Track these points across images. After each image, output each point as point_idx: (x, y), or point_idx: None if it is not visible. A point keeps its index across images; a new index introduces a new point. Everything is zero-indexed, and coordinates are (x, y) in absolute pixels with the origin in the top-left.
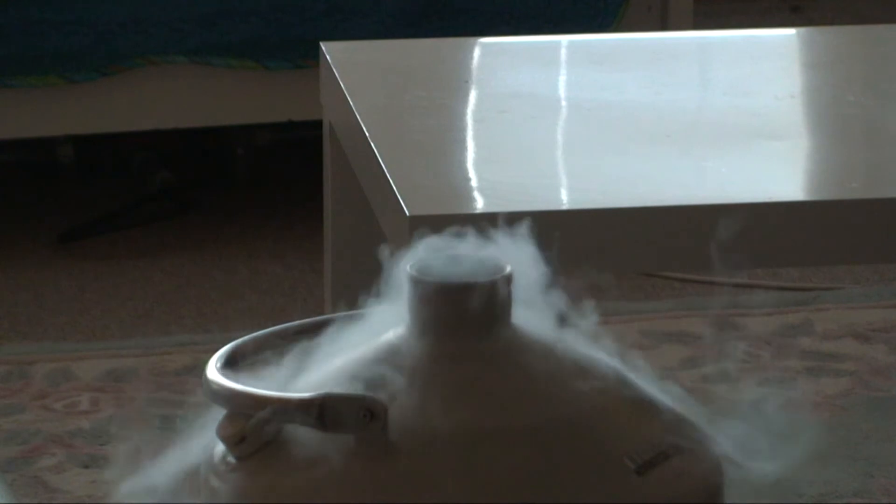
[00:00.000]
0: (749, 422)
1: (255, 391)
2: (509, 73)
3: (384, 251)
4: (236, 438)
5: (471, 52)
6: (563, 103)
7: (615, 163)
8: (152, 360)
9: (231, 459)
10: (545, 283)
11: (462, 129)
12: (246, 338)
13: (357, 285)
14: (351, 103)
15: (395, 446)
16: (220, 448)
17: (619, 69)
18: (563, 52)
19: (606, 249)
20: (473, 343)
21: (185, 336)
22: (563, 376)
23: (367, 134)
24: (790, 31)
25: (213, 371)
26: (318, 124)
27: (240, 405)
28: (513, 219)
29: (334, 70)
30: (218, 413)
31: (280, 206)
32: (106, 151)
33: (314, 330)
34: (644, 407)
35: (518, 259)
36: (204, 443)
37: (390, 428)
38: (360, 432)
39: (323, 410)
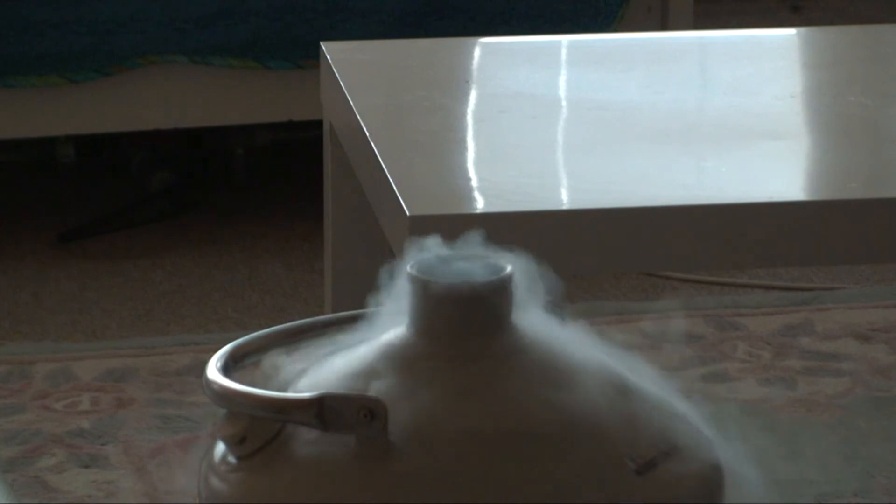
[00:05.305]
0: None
1: (255, 391)
2: (509, 73)
3: (385, 251)
4: (236, 438)
5: (471, 52)
6: (563, 103)
7: (615, 163)
8: (152, 360)
9: (231, 459)
10: (545, 283)
11: (462, 129)
12: (246, 338)
13: (357, 285)
14: (351, 103)
15: (395, 446)
16: (220, 448)
17: (619, 69)
18: (563, 52)
19: (606, 249)
20: (474, 343)
21: (185, 336)
22: (563, 377)
23: (367, 134)
24: (790, 31)
25: (214, 371)
26: (318, 124)
27: (240, 405)
28: (512, 219)
29: (334, 70)
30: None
31: (280, 206)
32: (106, 151)
33: (315, 330)
34: (644, 407)
35: (518, 259)
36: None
37: (390, 428)
38: (361, 432)
39: (323, 410)
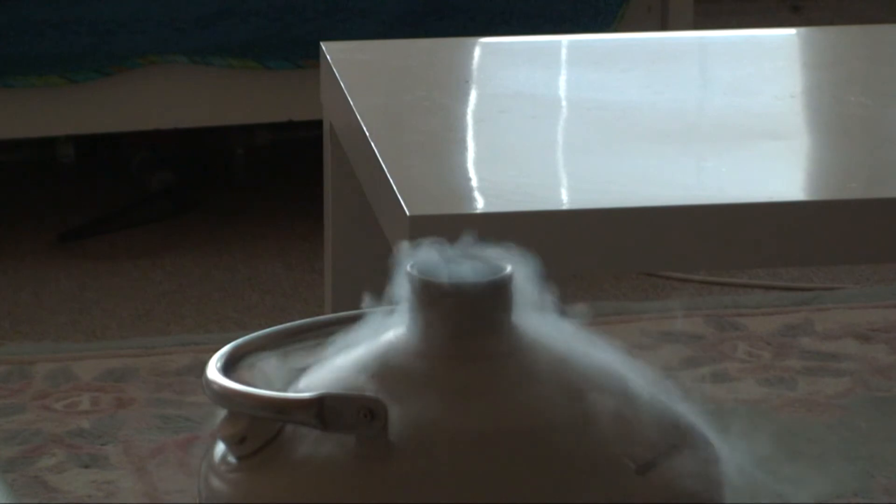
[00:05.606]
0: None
1: (255, 391)
2: (509, 73)
3: (386, 251)
4: (236, 438)
5: (471, 52)
6: (563, 103)
7: (615, 163)
8: (152, 360)
9: (231, 459)
10: (545, 283)
11: (462, 129)
12: (246, 338)
13: (357, 285)
14: (351, 103)
15: (395, 446)
16: (220, 448)
17: (619, 69)
18: (563, 52)
19: (606, 249)
20: (474, 343)
21: (185, 336)
22: (563, 377)
23: (367, 134)
24: (790, 31)
25: (214, 371)
26: (318, 124)
27: (240, 405)
28: (512, 219)
29: (334, 70)
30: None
31: (280, 206)
32: (106, 151)
33: (315, 330)
34: (644, 407)
35: (518, 259)
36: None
37: (390, 428)
38: (361, 432)
39: (323, 410)
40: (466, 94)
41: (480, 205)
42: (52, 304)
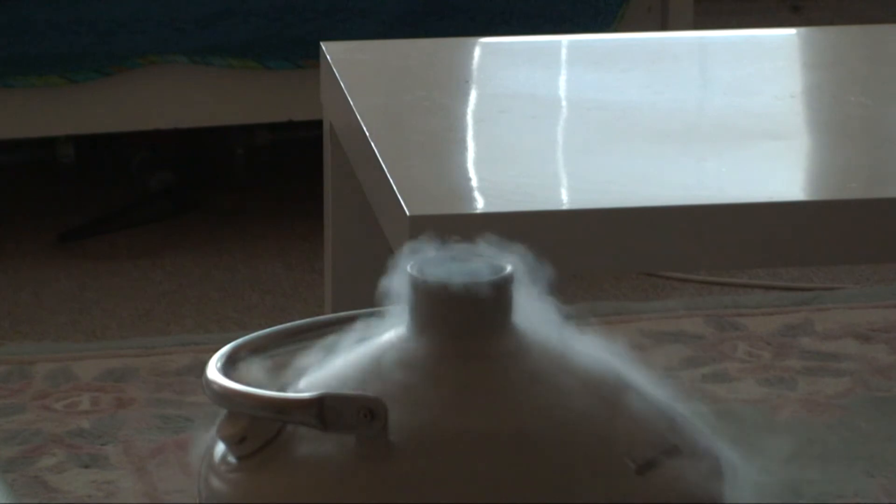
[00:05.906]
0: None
1: (255, 391)
2: (509, 73)
3: (386, 251)
4: (236, 438)
5: (471, 52)
6: (563, 103)
7: (615, 163)
8: (152, 360)
9: (231, 459)
10: (545, 283)
11: (462, 129)
12: (246, 338)
13: (357, 285)
14: (351, 103)
15: (395, 446)
16: (220, 448)
17: (619, 69)
18: (563, 52)
19: (606, 249)
20: (474, 343)
21: (185, 336)
22: (563, 377)
23: (367, 134)
24: (790, 31)
25: (214, 371)
26: (318, 124)
27: (240, 405)
28: (512, 219)
29: (334, 70)
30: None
31: (280, 206)
32: (106, 151)
33: (315, 330)
34: (644, 407)
35: (518, 259)
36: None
37: (390, 428)
38: (361, 432)
39: (323, 410)
40: (466, 94)
41: (480, 205)
42: (52, 304)
